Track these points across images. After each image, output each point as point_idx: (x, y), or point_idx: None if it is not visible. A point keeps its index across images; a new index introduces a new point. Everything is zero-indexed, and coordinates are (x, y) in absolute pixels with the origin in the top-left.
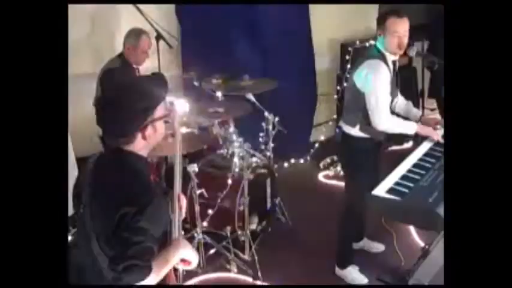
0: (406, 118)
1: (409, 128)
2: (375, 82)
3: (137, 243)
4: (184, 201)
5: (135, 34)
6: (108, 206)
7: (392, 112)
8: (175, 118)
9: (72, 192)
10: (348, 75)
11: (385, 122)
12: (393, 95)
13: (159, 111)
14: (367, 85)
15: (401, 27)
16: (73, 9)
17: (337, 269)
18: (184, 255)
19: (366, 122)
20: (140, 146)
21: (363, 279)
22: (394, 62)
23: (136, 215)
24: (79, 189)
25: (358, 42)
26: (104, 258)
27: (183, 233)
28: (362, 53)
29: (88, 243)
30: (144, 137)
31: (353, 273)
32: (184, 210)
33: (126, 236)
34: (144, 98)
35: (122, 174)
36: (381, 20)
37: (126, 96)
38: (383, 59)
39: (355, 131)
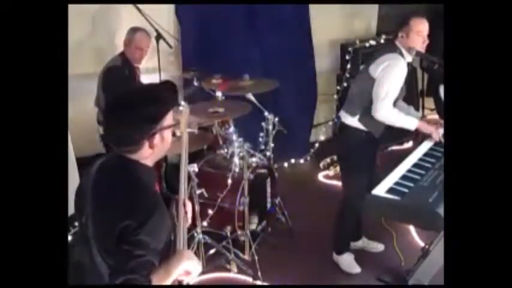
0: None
1: (410, 123)
2: (393, 72)
3: (137, 257)
4: (189, 207)
5: (132, 30)
6: (110, 217)
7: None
8: (183, 123)
9: (74, 201)
10: (348, 75)
11: (386, 111)
12: (400, 94)
13: (168, 119)
14: (385, 73)
15: (425, 27)
16: (74, 10)
17: (334, 255)
18: (187, 266)
19: (366, 113)
20: (146, 154)
21: (356, 268)
22: (409, 64)
23: (138, 229)
24: (80, 197)
25: (358, 42)
26: (106, 268)
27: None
28: (381, 49)
29: (90, 252)
30: (151, 146)
31: (348, 260)
32: (189, 215)
33: (127, 249)
34: (154, 105)
35: (125, 185)
36: (404, 21)
37: (135, 102)
38: (403, 57)
39: (354, 121)
